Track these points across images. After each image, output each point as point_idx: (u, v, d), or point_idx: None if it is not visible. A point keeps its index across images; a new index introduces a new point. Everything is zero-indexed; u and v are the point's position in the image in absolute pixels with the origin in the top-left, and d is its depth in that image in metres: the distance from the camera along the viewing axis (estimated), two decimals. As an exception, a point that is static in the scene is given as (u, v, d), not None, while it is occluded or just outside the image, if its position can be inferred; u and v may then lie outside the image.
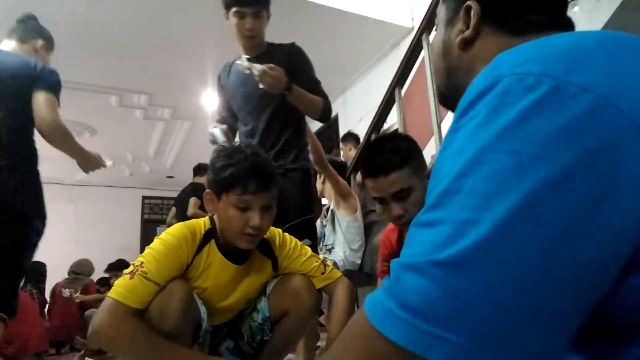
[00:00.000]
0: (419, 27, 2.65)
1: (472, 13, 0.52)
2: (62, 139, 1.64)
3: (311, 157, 2.22)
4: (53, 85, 1.65)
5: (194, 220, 1.23)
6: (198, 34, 3.87)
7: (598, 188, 0.31)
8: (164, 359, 0.98)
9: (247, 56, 1.66)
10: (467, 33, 0.53)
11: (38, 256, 5.24)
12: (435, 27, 0.63)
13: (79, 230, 7.30)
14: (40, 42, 1.87)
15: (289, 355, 1.46)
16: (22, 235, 1.56)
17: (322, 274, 1.28)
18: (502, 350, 0.31)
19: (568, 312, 0.32)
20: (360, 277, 2.48)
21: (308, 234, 1.72)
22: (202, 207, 3.51)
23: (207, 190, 1.18)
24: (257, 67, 1.57)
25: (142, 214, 8.29)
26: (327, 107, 1.81)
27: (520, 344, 0.31)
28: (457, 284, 0.31)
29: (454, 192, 0.34)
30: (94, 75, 4.55)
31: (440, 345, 0.31)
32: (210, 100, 5.11)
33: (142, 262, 1.06)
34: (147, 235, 7.77)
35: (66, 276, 4.59)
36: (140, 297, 1.03)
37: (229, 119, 1.93)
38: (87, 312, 3.88)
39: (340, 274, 1.31)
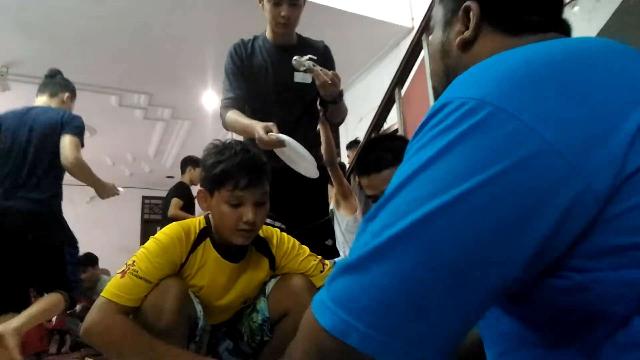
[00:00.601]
0: (419, 27, 2.64)
1: (471, 14, 0.53)
2: (83, 174, 2.00)
3: (324, 156, 2.23)
4: (76, 129, 2.03)
5: (189, 219, 1.23)
6: (198, 34, 3.87)
7: (501, 208, 0.35)
8: (154, 357, 0.98)
9: (311, 56, 1.56)
10: (467, 34, 0.53)
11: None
12: (431, 29, 0.63)
13: (79, 230, 7.29)
14: (66, 94, 2.31)
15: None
16: (59, 262, 1.96)
17: (321, 272, 1.28)
18: (403, 340, 0.36)
19: (457, 307, 0.36)
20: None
21: (331, 234, 1.73)
22: (184, 208, 3.43)
23: (200, 188, 1.19)
24: (328, 73, 1.52)
25: (142, 214, 8.29)
26: (346, 115, 1.83)
27: (415, 336, 0.36)
28: (362, 281, 0.37)
29: (381, 207, 0.40)
30: (94, 75, 4.55)
31: (353, 333, 0.37)
32: (210, 100, 5.11)
33: (134, 261, 1.07)
34: (147, 235, 7.75)
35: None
36: (130, 294, 1.04)
37: (240, 93, 1.73)
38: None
39: None
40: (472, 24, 0.53)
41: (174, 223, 1.19)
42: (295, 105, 1.72)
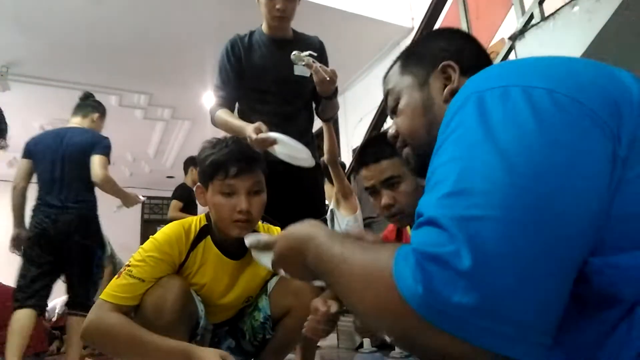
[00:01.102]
0: (419, 27, 2.65)
1: (450, 70, 0.65)
2: (111, 188, 2.38)
3: (325, 155, 2.24)
4: (104, 149, 2.40)
5: (191, 217, 1.24)
6: (198, 34, 3.87)
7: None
8: (149, 350, 0.99)
9: (312, 52, 1.57)
10: (455, 84, 0.63)
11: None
12: (394, 101, 0.71)
13: (78, 230, 7.29)
14: (96, 115, 2.62)
15: (289, 355, 1.46)
16: (89, 261, 2.28)
17: None
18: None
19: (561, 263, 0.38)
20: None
21: None
22: (184, 209, 3.39)
23: (197, 184, 1.20)
24: (327, 70, 1.54)
25: (142, 214, 8.28)
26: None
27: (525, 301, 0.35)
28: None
29: (459, 192, 0.40)
30: (94, 75, 4.54)
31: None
32: (210, 100, 5.11)
33: (130, 262, 1.10)
34: (147, 235, 7.72)
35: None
36: (124, 294, 1.06)
37: (234, 93, 1.76)
38: None
39: None
40: (456, 77, 0.64)
41: (174, 222, 1.20)
42: (294, 99, 1.72)
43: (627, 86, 0.43)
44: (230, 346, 1.32)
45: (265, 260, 0.69)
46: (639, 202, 0.40)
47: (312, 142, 1.75)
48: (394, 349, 2.26)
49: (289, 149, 1.51)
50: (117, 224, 7.92)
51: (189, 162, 3.69)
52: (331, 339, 3.16)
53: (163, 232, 1.15)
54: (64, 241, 2.20)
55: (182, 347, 0.99)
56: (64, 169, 2.28)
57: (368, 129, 3.13)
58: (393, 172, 1.12)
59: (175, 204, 3.43)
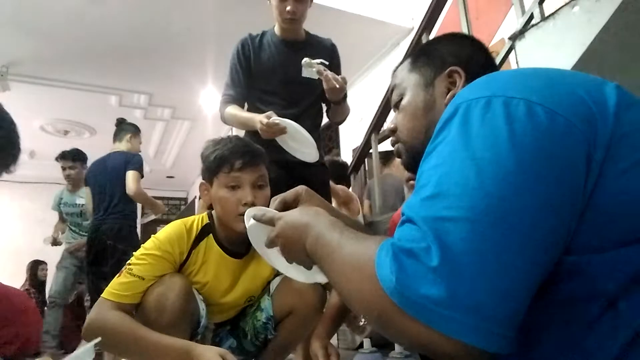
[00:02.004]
0: (419, 27, 2.65)
1: (456, 76, 0.67)
2: (143, 200, 2.87)
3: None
4: (135, 165, 2.81)
5: (193, 216, 1.25)
6: (198, 33, 3.87)
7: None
8: (149, 349, 0.99)
9: (323, 61, 1.60)
10: (459, 90, 0.65)
11: (37, 255, 5.23)
12: (398, 96, 0.73)
13: (79, 230, 7.28)
14: (129, 136, 3.08)
15: (289, 356, 1.47)
16: (122, 262, 2.74)
17: None
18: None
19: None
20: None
21: None
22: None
23: (201, 181, 1.22)
24: (337, 79, 1.56)
25: (142, 213, 8.28)
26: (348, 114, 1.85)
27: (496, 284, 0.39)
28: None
29: (436, 195, 0.44)
30: (94, 75, 4.55)
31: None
32: (210, 100, 5.11)
33: (131, 260, 1.11)
34: (147, 235, 7.76)
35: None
36: (124, 292, 1.06)
37: (244, 92, 1.78)
38: None
39: None
40: (460, 83, 0.67)
41: (176, 221, 1.20)
42: (300, 101, 1.74)
43: (605, 96, 0.46)
44: (231, 346, 1.32)
45: (263, 236, 0.69)
46: (618, 202, 0.43)
47: (318, 142, 1.74)
48: (394, 349, 2.26)
49: (297, 139, 1.54)
50: (117, 224, 7.92)
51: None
52: (331, 339, 3.16)
53: (164, 231, 1.16)
54: (103, 245, 2.64)
55: (182, 344, 1.00)
56: (106, 187, 2.78)
57: (368, 129, 3.13)
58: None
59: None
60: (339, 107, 1.71)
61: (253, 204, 1.11)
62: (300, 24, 1.75)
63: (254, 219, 0.73)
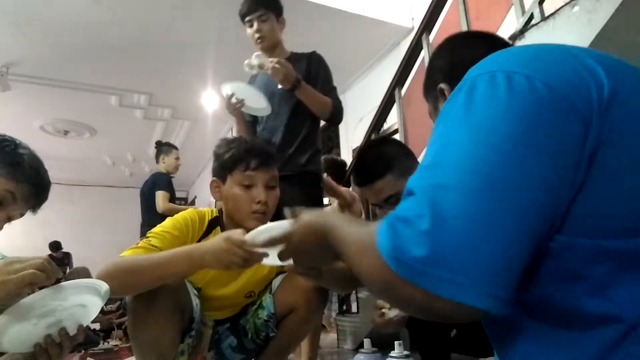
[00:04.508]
0: (419, 27, 2.65)
1: (446, 91, 0.68)
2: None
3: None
4: (161, 185, 3.18)
5: (205, 208, 1.28)
6: (198, 34, 3.87)
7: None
8: (159, 265, 1.00)
9: (257, 53, 1.76)
10: None
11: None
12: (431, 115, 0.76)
13: (79, 230, 7.30)
14: (162, 156, 3.39)
15: (290, 356, 1.47)
16: None
17: None
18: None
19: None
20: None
21: None
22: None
23: (213, 178, 1.24)
24: (271, 60, 1.68)
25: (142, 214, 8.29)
26: (337, 109, 1.87)
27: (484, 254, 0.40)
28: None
29: (434, 165, 0.46)
30: (94, 75, 4.55)
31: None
32: (210, 100, 5.11)
33: (148, 235, 1.14)
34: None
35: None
36: (140, 253, 1.07)
37: (251, 118, 1.99)
38: None
39: None
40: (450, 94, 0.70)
41: (191, 208, 1.25)
42: (281, 110, 1.85)
43: (601, 79, 0.47)
44: (231, 344, 1.32)
45: (271, 253, 0.76)
46: (609, 192, 0.43)
47: (304, 150, 1.84)
48: (394, 349, 2.26)
49: (250, 97, 1.78)
50: (117, 223, 7.98)
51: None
52: (331, 339, 3.17)
53: (181, 215, 1.21)
54: None
55: (187, 248, 1.02)
56: (144, 204, 3.26)
57: (368, 129, 3.13)
58: (390, 191, 1.12)
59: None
60: (304, 94, 1.77)
61: (266, 203, 1.17)
62: (274, 42, 1.88)
63: (259, 243, 0.79)
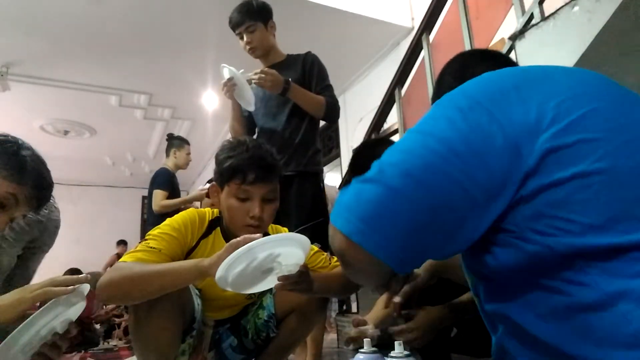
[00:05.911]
0: (419, 27, 2.65)
1: None
2: (172, 209, 2.93)
3: None
4: (159, 183, 3.04)
5: (206, 208, 1.27)
6: (198, 34, 3.87)
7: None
8: (164, 276, 0.99)
9: (241, 71, 1.82)
10: None
11: (38, 256, 5.15)
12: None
13: (79, 230, 7.29)
14: (172, 150, 3.25)
15: (290, 356, 1.47)
16: None
17: (329, 264, 1.28)
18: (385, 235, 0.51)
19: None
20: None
21: (318, 238, 1.75)
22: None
23: (213, 182, 1.23)
24: (255, 72, 1.74)
25: (142, 214, 8.28)
26: (332, 107, 1.88)
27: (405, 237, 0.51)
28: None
29: (392, 149, 0.57)
30: (94, 75, 4.54)
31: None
32: (210, 100, 5.11)
33: (146, 237, 1.12)
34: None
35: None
36: (139, 258, 1.05)
37: (251, 118, 2.03)
38: None
39: None
40: None
41: (191, 208, 1.24)
42: (278, 113, 1.88)
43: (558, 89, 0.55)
44: (232, 344, 1.32)
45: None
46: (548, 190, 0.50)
47: (303, 151, 1.87)
48: (394, 349, 2.26)
49: (242, 85, 1.83)
50: (117, 223, 7.97)
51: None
52: (331, 339, 3.17)
53: (180, 215, 1.19)
54: None
55: (191, 261, 1.01)
56: (148, 203, 3.15)
57: (368, 129, 3.13)
58: None
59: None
60: (294, 96, 1.81)
61: (260, 218, 1.13)
62: (266, 49, 1.92)
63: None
